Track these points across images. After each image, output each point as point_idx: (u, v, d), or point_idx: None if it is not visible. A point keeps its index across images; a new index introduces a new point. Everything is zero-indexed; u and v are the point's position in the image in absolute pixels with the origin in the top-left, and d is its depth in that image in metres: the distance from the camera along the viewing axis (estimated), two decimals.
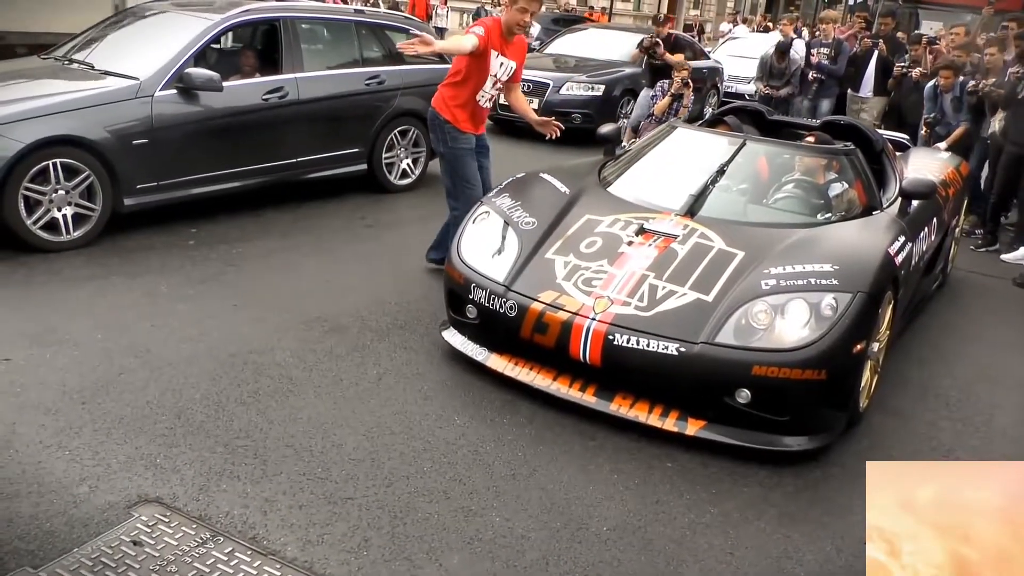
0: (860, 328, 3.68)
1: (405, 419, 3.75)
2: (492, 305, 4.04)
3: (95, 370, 3.93)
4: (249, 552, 2.79)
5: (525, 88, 11.39)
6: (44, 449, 3.26)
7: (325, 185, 7.14)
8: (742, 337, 3.61)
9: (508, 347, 4.07)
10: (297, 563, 2.78)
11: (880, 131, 7.19)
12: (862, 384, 3.89)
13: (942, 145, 7.74)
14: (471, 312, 4.18)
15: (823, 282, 3.73)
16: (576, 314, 3.80)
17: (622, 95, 11.40)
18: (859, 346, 3.67)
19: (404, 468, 3.38)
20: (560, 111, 10.87)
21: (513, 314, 3.95)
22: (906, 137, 6.92)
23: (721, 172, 4.63)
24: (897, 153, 6.11)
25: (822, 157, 4.95)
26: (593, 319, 3.76)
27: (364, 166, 7.29)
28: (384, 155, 7.40)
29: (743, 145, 4.83)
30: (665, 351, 3.62)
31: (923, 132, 8.25)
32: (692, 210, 4.36)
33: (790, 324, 3.63)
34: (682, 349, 3.61)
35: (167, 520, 2.91)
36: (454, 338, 4.32)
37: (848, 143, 5.09)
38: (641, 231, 4.21)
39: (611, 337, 3.70)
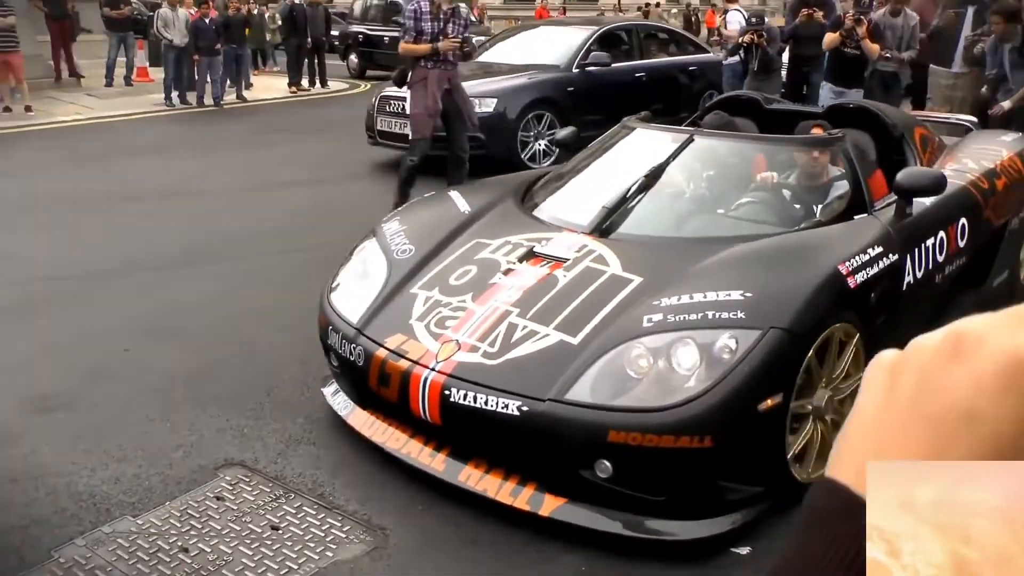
0: (771, 377, 2.77)
1: None
2: (344, 352, 3.39)
3: (198, 357, 4.26)
4: (315, 506, 3.05)
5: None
6: (149, 422, 3.65)
7: None
8: (600, 393, 2.78)
9: (368, 401, 3.41)
10: (357, 515, 2.98)
11: (944, 115, 6.02)
12: (794, 445, 2.95)
13: (1006, 104, 6.27)
14: (333, 360, 3.54)
15: (724, 315, 2.84)
16: (416, 363, 3.09)
17: (523, 113, 8.06)
18: (770, 401, 2.76)
19: None
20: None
21: (361, 363, 3.29)
22: (973, 120, 5.65)
23: (656, 176, 3.77)
24: (951, 139, 4.98)
25: (800, 150, 3.98)
26: (433, 369, 3.04)
27: None
28: None
29: (689, 142, 3.92)
30: (505, 410, 2.84)
31: (983, 91, 6.66)
32: (603, 226, 3.54)
33: (672, 373, 2.77)
34: (524, 408, 2.82)
35: (248, 480, 3.22)
36: (327, 388, 3.69)
37: (840, 131, 4.07)
38: (530, 255, 3.44)
39: (447, 392, 2.96)
